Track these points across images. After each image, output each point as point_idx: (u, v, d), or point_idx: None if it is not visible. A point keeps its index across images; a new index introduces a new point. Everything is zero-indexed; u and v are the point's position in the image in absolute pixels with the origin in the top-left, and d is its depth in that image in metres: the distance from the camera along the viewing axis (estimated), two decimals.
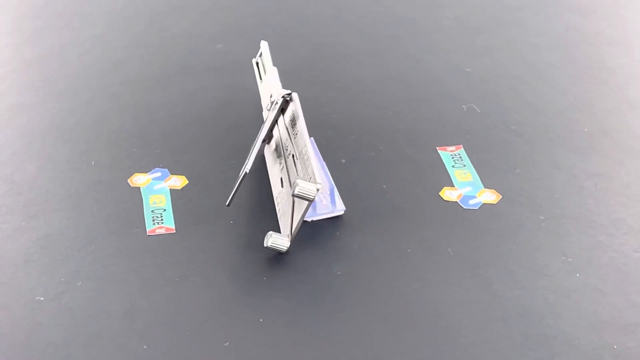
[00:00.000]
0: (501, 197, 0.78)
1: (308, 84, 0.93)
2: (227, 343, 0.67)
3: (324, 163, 0.80)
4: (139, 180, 0.81)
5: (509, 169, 0.81)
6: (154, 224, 0.77)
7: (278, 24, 1.03)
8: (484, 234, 0.75)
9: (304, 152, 0.75)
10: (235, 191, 0.73)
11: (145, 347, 0.67)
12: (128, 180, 0.81)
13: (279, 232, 0.74)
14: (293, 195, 0.71)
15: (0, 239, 0.75)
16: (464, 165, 0.82)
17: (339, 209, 0.77)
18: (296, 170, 0.76)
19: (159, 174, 0.82)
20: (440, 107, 0.89)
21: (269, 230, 0.73)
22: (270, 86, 0.83)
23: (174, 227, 0.76)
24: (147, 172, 0.82)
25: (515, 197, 0.78)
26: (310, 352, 0.67)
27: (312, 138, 0.81)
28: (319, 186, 0.72)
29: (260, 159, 0.82)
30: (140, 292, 0.71)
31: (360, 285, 0.72)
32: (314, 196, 0.71)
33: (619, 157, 0.82)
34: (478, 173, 0.81)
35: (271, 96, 0.82)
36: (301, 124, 0.78)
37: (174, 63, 0.97)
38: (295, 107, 0.80)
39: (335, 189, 0.79)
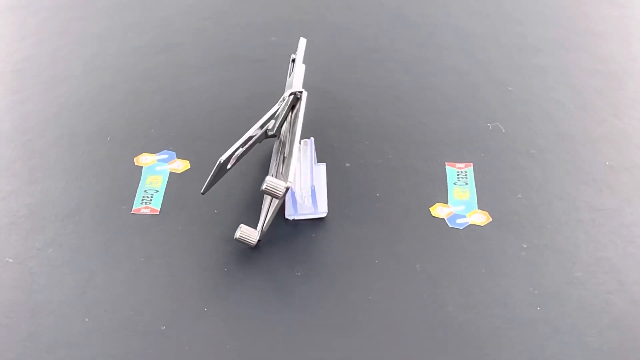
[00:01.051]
0: (491, 220, 0.76)
1: (343, 84, 0.92)
2: (164, 327, 0.68)
3: (316, 165, 0.80)
4: (144, 159, 0.83)
5: (511, 192, 0.78)
6: (141, 203, 0.78)
7: (337, 22, 1.02)
8: (458, 255, 0.73)
9: (290, 151, 0.75)
10: (211, 180, 0.74)
11: (87, 319, 0.68)
12: (134, 159, 0.83)
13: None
14: (261, 191, 0.71)
15: None
16: (466, 184, 0.79)
17: (321, 211, 0.77)
18: (282, 168, 0.76)
19: (165, 156, 0.83)
20: (466, 123, 0.87)
21: (248, 224, 0.73)
22: (293, 82, 0.83)
23: (158, 209, 0.78)
24: (154, 153, 0.84)
25: (506, 222, 0.76)
26: (244, 344, 0.67)
27: (311, 138, 0.81)
28: (289, 184, 0.72)
29: (268, 153, 0.83)
30: (103, 267, 0.73)
31: (314, 289, 0.71)
32: (282, 193, 0.71)
33: (630, 195, 0.78)
34: (478, 193, 0.78)
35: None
36: (298, 123, 0.78)
37: (223, 52, 0.98)
38: (299, 106, 0.80)
39: (324, 191, 0.78)
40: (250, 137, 0.77)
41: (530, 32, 0.99)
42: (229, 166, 0.76)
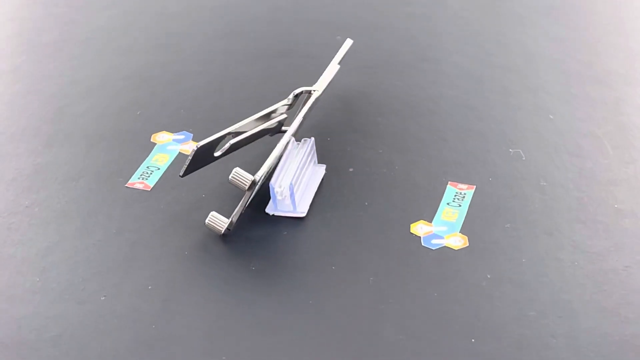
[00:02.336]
0: (467, 245, 0.74)
1: (382, 90, 0.92)
2: (104, 297, 0.70)
3: (315, 165, 0.80)
4: (161, 137, 0.85)
5: (502, 221, 0.76)
6: (138, 178, 0.81)
7: (398, 28, 1.01)
8: (416, 274, 0.72)
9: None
10: (189, 165, 0.75)
11: (37, 280, 0.71)
12: (152, 136, 0.85)
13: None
14: (228, 181, 0.72)
15: (11, 156, 0.83)
16: (459, 206, 0.77)
17: (299, 211, 0.77)
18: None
19: (182, 137, 0.85)
20: (488, 145, 0.84)
21: (229, 213, 0.74)
22: (319, 80, 0.84)
23: (151, 186, 0.80)
24: (173, 133, 0.86)
25: (481, 250, 0.73)
26: (173, 327, 0.68)
27: (312, 138, 0.81)
28: (256, 178, 0.72)
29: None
30: (73, 233, 0.76)
31: (262, 286, 0.72)
32: (247, 186, 0.72)
33: (623, 241, 0.73)
34: (469, 217, 0.76)
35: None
36: (295, 121, 0.79)
37: (280, 45, 0.99)
38: (305, 104, 0.80)
39: (312, 192, 0.78)
40: (243, 131, 0.78)
41: (594, 62, 0.95)
42: (217, 153, 0.77)
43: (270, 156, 0.74)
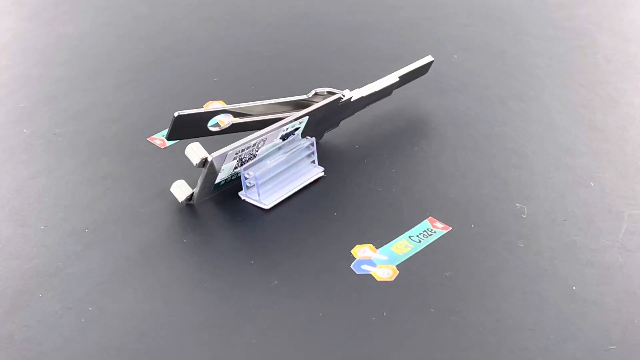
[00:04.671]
0: (391, 280, 0.72)
1: (446, 114, 0.90)
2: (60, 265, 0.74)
3: (309, 165, 0.81)
4: (212, 107, 0.89)
5: (443, 269, 0.73)
6: (161, 135, 0.86)
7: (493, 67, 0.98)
8: (321, 291, 0.70)
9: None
10: (172, 129, 0.78)
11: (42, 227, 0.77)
12: (204, 104, 0.90)
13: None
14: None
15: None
16: (419, 242, 0.75)
17: (264, 203, 0.78)
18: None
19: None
20: (497, 193, 0.80)
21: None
22: (367, 85, 0.84)
23: (167, 145, 0.85)
24: (226, 104, 0.89)
25: (402, 289, 0.71)
26: (94, 274, 0.72)
27: (313, 138, 0.81)
28: (209, 158, 0.75)
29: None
30: (71, 175, 0.81)
31: (179, 260, 0.73)
32: (195, 162, 0.75)
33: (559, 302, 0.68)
34: (419, 254, 0.74)
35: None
36: (293, 116, 0.80)
37: (367, 50, 1.00)
38: (317, 104, 0.81)
39: (288, 189, 0.79)
40: (247, 114, 0.81)
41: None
42: (214, 129, 0.80)
43: (239, 141, 0.76)
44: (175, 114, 0.77)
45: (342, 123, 0.86)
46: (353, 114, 0.86)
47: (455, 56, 0.99)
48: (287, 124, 0.78)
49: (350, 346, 0.65)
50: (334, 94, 0.82)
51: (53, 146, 0.85)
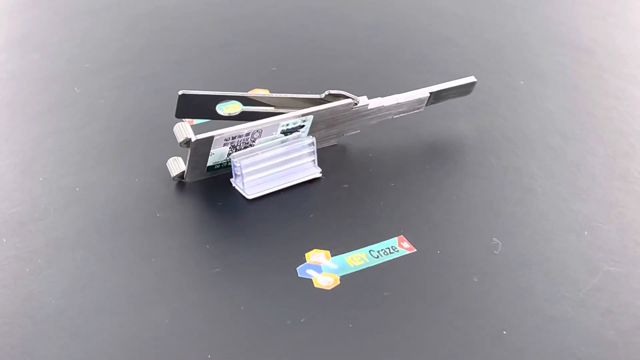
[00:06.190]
0: (329, 289, 0.72)
1: (466, 138, 0.88)
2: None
3: (307, 164, 0.82)
4: (252, 93, 0.92)
5: (385, 289, 0.72)
6: None
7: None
8: (257, 287, 0.71)
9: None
10: (178, 107, 0.81)
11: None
12: (252, 90, 0.93)
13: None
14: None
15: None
16: (377, 257, 0.75)
17: (247, 193, 0.80)
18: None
19: None
20: (490, 227, 0.78)
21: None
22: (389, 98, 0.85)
23: (194, 122, 0.87)
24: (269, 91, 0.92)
25: (334, 299, 0.71)
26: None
27: (313, 137, 0.83)
28: (193, 138, 0.78)
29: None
30: (90, 137, 0.87)
31: (149, 234, 0.76)
32: (179, 141, 0.78)
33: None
34: (371, 270, 0.74)
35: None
36: (297, 113, 0.81)
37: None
38: (324, 106, 0.82)
39: (275, 184, 0.81)
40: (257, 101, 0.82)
41: None
42: (223, 114, 0.83)
43: (230, 127, 0.78)
44: (180, 92, 0.79)
45: (367, 129, 0.86)
46: (375, 122, 0.85)
47: (522, 82, 0.96)
48: (284, 119, 0.79)
49: (252, 343, 0.66)
50: (347, 98, 0.82)
51: (94, 109, 0.90)
